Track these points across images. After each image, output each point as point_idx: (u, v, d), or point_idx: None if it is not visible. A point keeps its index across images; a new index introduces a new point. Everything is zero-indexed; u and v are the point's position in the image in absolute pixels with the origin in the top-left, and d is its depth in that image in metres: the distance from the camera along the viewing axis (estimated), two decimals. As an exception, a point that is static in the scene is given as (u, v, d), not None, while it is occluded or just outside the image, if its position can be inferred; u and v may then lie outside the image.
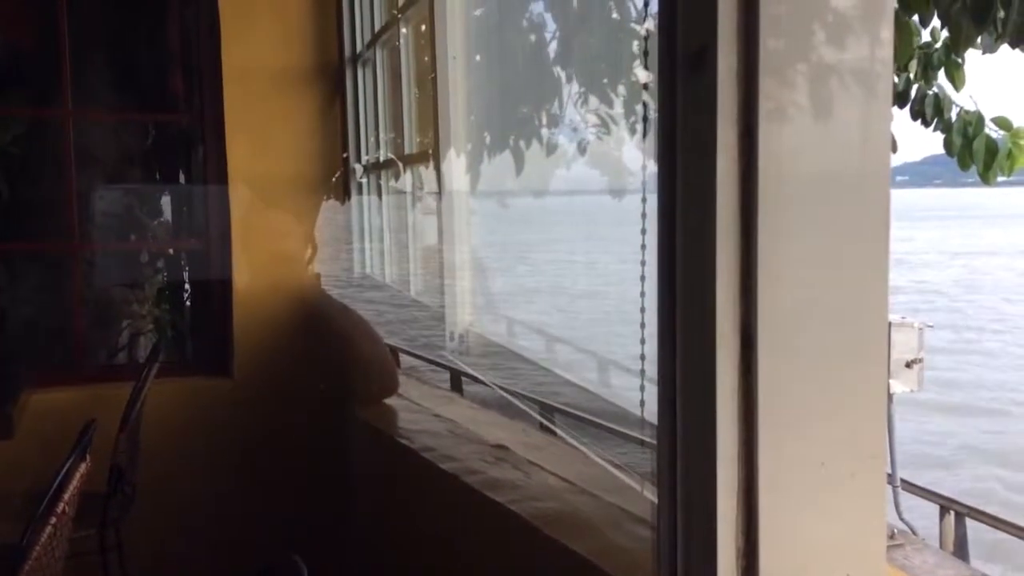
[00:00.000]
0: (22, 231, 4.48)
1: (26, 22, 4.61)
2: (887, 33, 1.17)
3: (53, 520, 1.81)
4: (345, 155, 3.69)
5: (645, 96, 3.23)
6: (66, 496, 1.86)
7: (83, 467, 1.93)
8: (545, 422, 2.97)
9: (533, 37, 3.32)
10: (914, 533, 4.14)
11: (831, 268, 1.10)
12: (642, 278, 1.11)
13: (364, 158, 3.70)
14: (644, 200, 1.10)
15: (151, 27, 4.47)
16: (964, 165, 3.58)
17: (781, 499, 1.08)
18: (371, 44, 3.55)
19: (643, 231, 1.11)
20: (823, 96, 1.11)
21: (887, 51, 1.17)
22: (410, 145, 3.25)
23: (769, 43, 1.07)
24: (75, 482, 1.90)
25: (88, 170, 4.11)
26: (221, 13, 3.47)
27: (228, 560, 3.49)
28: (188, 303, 4.50)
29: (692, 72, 1.08)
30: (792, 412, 1.08)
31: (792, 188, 1.07)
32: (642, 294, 1.11)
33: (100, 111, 4.24)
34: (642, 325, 1.11)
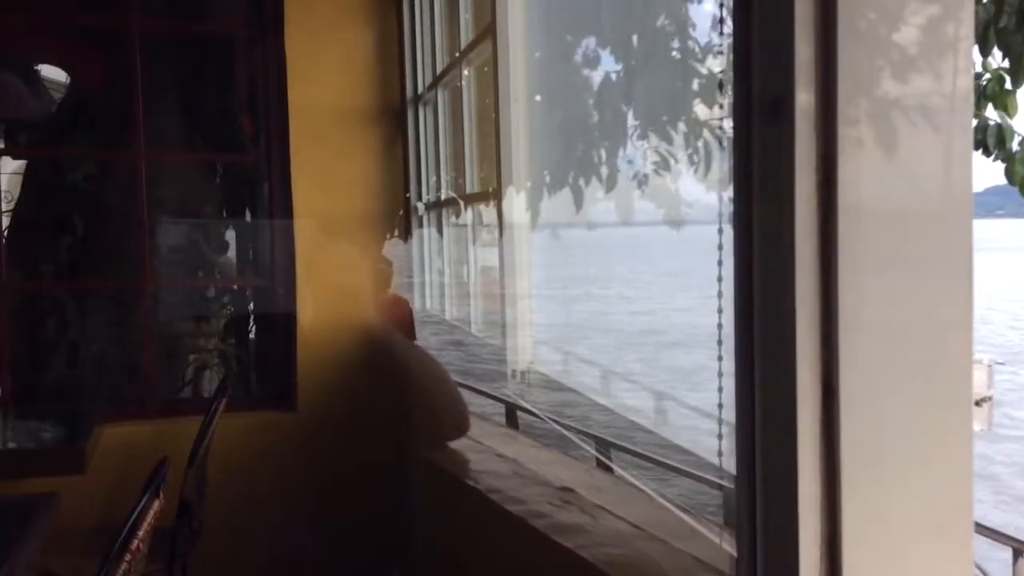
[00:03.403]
0: (94, 267, 4.61)
1: (97, 66, 4.79)
2: (965, 65, 1.16)
3: (128, 557, 1.85)
4: (407, 194, 3.75)
5: (706, 133, 3.23)
6: (140, 533, 1.89)
7: (156, 504, 1.97)
8: (605, 460, 2.95)
9: (592, 77, 3.35)
10: (989, 579, 3.99)
11: (914, 314, 1.08)
12: (719, 326, 1.10)
13: (425, 196, 3.75)
14: (720, 247, 1.09)
15: (220, 70, 4.60)
16: (1027, 194, 3.53)
17: (865, 553, 1.05)
18: (433, 85, 3.61)
19: (719, 279, 1.10)
20: (904, 138, 1.10)
21: (967, 84, 1.16)
22: (471, 184, 3.28)
23: (847, 90, 1.06)
24: (149, 519, 1.94)
25: (157, 208, 4.23)
26: (288, 56, 3.57)
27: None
28: (253, 337, 4.58)
29: (768, 121, 1.08)
30: (876, 463, 1.06)
31: (873, 234, 1.06)
32: (719, 342, 1.11)
33: (171, 152, 4.36)
34: (719, 374, 1.10)
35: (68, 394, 4.23)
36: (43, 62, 6.00)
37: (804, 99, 1.05)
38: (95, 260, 4.59)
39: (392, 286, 3.72)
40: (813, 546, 1.04)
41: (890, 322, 1.05)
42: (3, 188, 4.10)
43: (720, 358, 1.11)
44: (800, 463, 1.04)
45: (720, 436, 1.12)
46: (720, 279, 1.09)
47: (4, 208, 4.17)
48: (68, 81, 5.67)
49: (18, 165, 5.51)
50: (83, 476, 2.86)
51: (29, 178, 5.06)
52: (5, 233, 4.20)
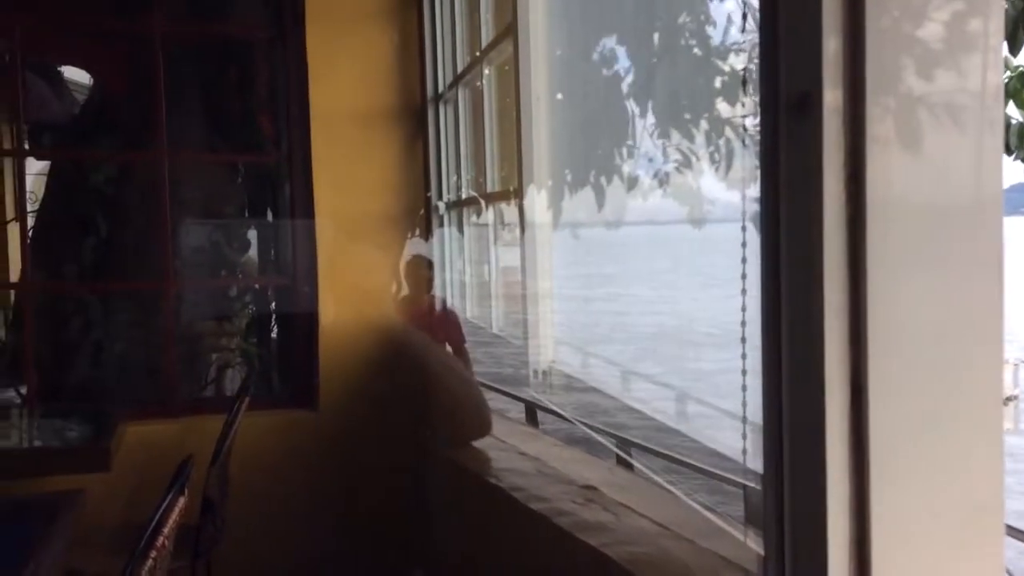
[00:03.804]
0: (117, 268, 4.65)
1: (119, 68, 4.83)
2: (995, 61, 1.15)
3: (153, 554, 1.86)
4: (428, 193, 3.75)
5: (728, 131, 3.21)
6: (165, 530, 1.90)
7: (181, 502, 1.98)
8: (627, 458, 2.94)
9: (612, 75, 3.34)
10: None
11: (943, 311, 1.07)
12: (743, 323, 1.09)
13: (446, 196, 3.76)
14: (744, 245, 1.08)
15: (241, 71, 4.62)
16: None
17: (895, 552, 1.04)
18: (453, 84, 3.61)
19: (743, 276, 1.09)
20: (932, 134, 1.09)
21: (996, 80, 1.15)
22: (492, 183, 3.28)
23: (875, 86, 1.05)
24: (174, 517, 1.95)
25: (179, 209, 4.26)
26: (309, 57, 3.58)
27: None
28: (275, 337, 4.60)
29: (796, 117, 1.07)
30: (905, 462, 1.05)
31: (902, 230, 1.05)
32: (743, 339, 1.10)
33: (193, 153, 4.39)
34: (743, 372, 1.09)
35: (92, 393, 4.27)
36: (66, 64, 6.06)
37: (831, 95, 1.04)
38: (118, 261, 4.63)
39: (433, 289, 3.71)
40: (842, 545, 1.03)
41: (920, 320, 1.05)
42: (27, 189, 4.14)
43: (744, 356, 1.10)
44: (829, 462, 1.03)
45: (745, 435, 1.11)
46: (744, 276, 1.09)
47: (28, 209, 4.20)
48: (91, 83, 5.72)
49: (42, 166, 5.57)
50: (107, 474, 2.89)
51: (53, 180, 5.11)
52: (30, 234, 4.24)
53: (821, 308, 1.02)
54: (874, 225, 1.04)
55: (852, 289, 1.04)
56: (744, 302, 1.09)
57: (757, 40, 1.36)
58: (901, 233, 1.04)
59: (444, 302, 3.60)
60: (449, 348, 3.36)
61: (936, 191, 1.09)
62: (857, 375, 1.04)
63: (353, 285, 3.67)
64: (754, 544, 1.40)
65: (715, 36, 3.01)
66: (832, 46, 1.05)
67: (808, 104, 1.05)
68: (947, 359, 1.07)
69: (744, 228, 1.09)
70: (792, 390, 1.06)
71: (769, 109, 1.10)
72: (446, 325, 3.48)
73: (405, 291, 3.70)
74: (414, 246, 3.75)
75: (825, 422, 1.03)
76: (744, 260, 1.08)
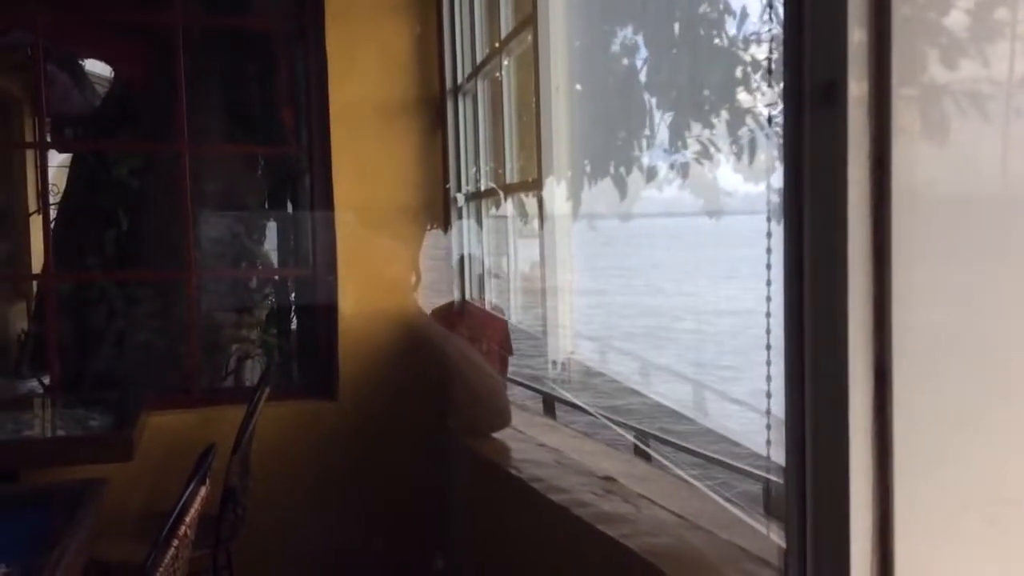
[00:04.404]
0: (139, 259, 4.69)
1: (141, 62, 4.86)
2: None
3: (175, 543, 1.88)
4: (447, 185, 3.75)
5: (749, 121, 3.19)
6: (188, 519, 1.92)
7: (203, 491, 1.99)
8: (644, 448, 2.93)
9: (631, 65, 3.33)
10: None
11: (971, 300, 1.06)
12: (767, 315, 1.09)
13: (465, 187, 3.76)
14: (770, 235, 1.08)
15: (261, 64, 4.64)
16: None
17: (918, 545, 1.04)
18: (472, 76, 3.61)
19: (768, 266, 1.09)
20: (958, 122, 1.08)
21: (1024, 68, 1.13)
22: (511, 174, 3.28)
23: (901, 74, 1.04)
24: (196, 505, 1.97)
25: (200, 201, 4.28)
26: (329, 49, 3.59)
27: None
28: (294, 327, 4.63)
29: (820, 105, 1.06)
30: (929, 453, 1.04)
31: (927, 218, 1.04)
32: (768, 331, 1.09)
33: (214, 146, 4.41)
34: (768, 362, 1.09)
35: (115, 383, 4.31)
36: (88, 57, 6.10)
37: (857, 83, 1.03)
38: (140, 252, 4.67)
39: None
40: (865, 537, 1.03)
41: (946, 308, 1.04)
42: (50, 182, 4.17)
43: (768, 347, 1.10)
44: (852, 453, 1.02)
45: (769, 426, 1.11)
46: (769, 267, 1.08)
47: (51, 202, 4.24)
48: (112, 76, 5.76)
49: (63, 159, 5.62)
50: (129, 463, 2.91)
51: (75, 172, 5.16)
52: (52, 226, 4.28)
53: (845, 296, 1.02)
54: (900, 213, 1.03)
55: (876, 278, 1.03)
56: (769, 292, 1.08)
57: (779, 30, 1.35)
58: (927, 221, 1.03)
59: (492, 313, 3.45)
60: (473, 349, 3.24)
61: (962, 179, 1.08)
62: (881, 365, 1.03)
63: (372, 276, 3.68)
64: (776, 536, 1.39)
65: (735, 26, 2.99)
66: (858, 34, 1.04)
67: (833, 92, 1.04)
68: (974, 348, 1.06)
69: (769, 219, 1.08)
70: (815, 381, 1.06)
71: (793, 98, 1.09)
72: (493, 336, 3.31)
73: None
74: (433, 238, 3.75)
75: (848, 413, 1.02)
76: (769, 250, 1.08)
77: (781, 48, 1.28)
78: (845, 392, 1.02)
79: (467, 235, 3.77)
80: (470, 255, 3.76)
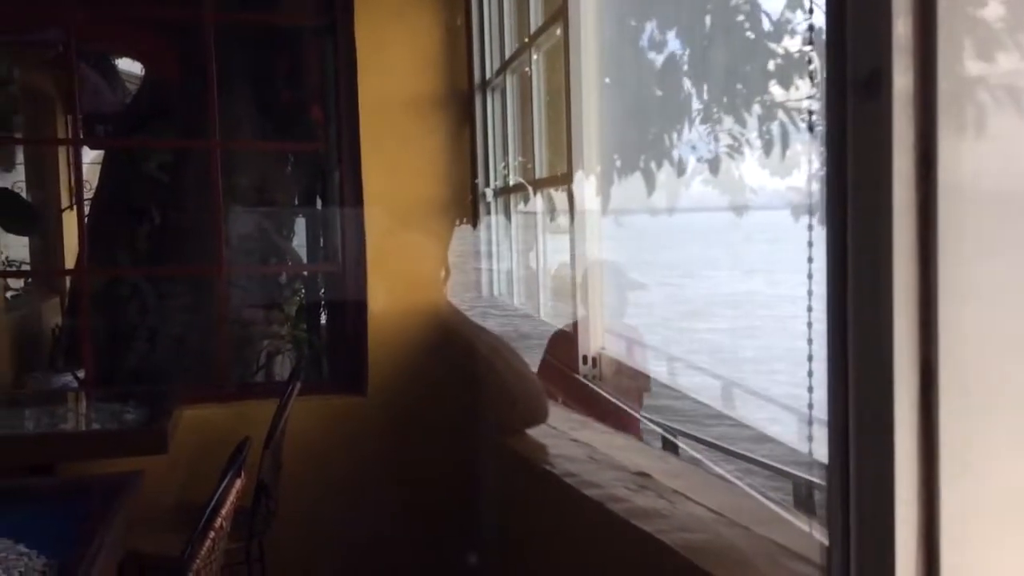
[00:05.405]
0: (170, 255, 4.74)
1: (171, 59, 4.91)
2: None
3: (212, 534, 1.89)
4: (475, 180, 3.76)
5: (781, 115, 3.16)
6: (224, 511, 1.94)
7: (238, 484, 2.01)
8: (673, 441, 2.91)
9: (662, 58, 3.30)
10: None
11: (1020, 296, 1.04)
12: (809, 309, 1.07)
13: (493, 182, 3.76)
14: (811, 228, 1.06)
15: (291, 59, 4.67)
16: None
17: (965, 544, 1.02)
18: (501, 70, 3.60)
19: (810, 259, 1.07)
20: (1010, 115, 1.06)
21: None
22: (540, 169, 3.27)
23: (948, 65, 1.02)
24: (231, 498, 1.98)
25: (231, 197, 4.32)
26: (358, 45, 3.60)
27: (361, 572, 3.59)
28: (324, 323, 4.66)
29: (864, 96, 1.05)
30: (977, 452, 1.02)
31: (976, 213, 1.02)
32: (809, 324, 1.08)
33: (245, 142, 4.44)
34: (809, 357, 1.07)
35: (148, 377, 4.36)
36: (119, 55, 6.16)
37: (902, 74, 1.02)
38: (171, 247, 4.72)
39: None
40: (910, 536, 1.01)
41: (994, 305, 1.02)
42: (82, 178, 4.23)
43: (811, 341, 1.08)
44: (897, 454, 1.01)
45: (811, 422, 1.10)
46: (811, 260, 1.07)
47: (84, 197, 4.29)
48: (143, 73, 5.82)
49: (95, 156, 5.69)
50: (163, 456, 2.95)
51: (106, 168, 5.22)
52: (86, 222, 4.33)
53: (890, 292, 1.00)
54: (946, 208, 1.01)
55: (922, 274, 1.01)
56: (811, 287, 1.07)
57: (814, 20, 1.33)
58: (976, 215, 1.01)
59: (567, 332, 3.04)
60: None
61: (1009, 173, 1.06)
62: (927, 362, 1.01)
63: (401, 272, 3.69)
64: (812, 530, 1.38)
65: (768, 18, 2.96)
66: (902, 23, 1.03)
67: (877, 83, 1.02)
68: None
69: (811, 213, 1.07)
70: (859, 378, 1.04)
71: (835, 90, 1.08)
72: (566, 355, 2.94)
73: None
74: (461, 232, 3.75)
75: (894, 410, 1.00)
76: (811, 243, 1.06)
77: (817, 39, 1.27)
78: (890, 389, 1.00)
79: (495, 230, 3.77)
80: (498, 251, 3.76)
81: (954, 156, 1.02)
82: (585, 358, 2.73)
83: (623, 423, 2.63)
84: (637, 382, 2.86)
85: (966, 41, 1.06)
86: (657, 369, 3.34)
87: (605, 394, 2.65)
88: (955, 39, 1.04)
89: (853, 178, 1.06)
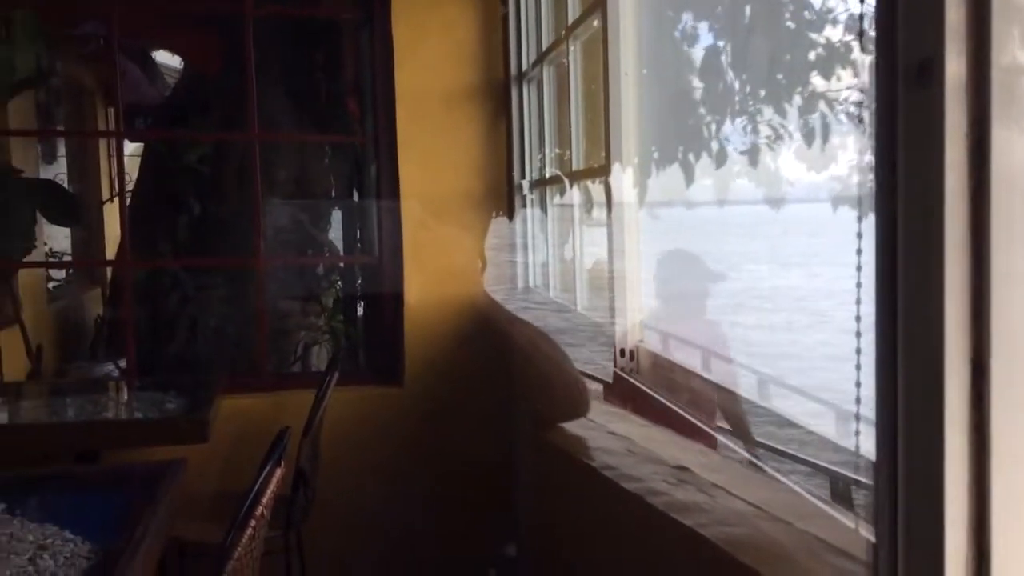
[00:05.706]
0: (210, 246, 4.79)
1: (211, 53, 4.96)
2: None
3: (252, 523, 1.91)
4: (511, 172, 3.75)
5: (822, 105, 3.11)
6: (264, 500, 1.96)
7: (279, 472, 2.03)
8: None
9: (701, 49, 3.27)
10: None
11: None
12: (858, 301, 1.06)
13: (529, 175, 3.75)
14: (860, 219, 1.05)
15: (328, 52, 4.69)
16: None
17: (1016, 540, 1.00)
18: (538, 62, 3.59)
19: (859, 251, 1.06)
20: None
21: None
22: (577, 160, 3.26)
23: (1001, 50, 1.00)
24: (272, 487, 2.00)
25: (270, 189, 4.36)
26: (395, 37, 3.61)
27: (398, 562, 3.62)
28: (361, 314, 4.69)
29: (916, 84, 1.03)
30: (1030, 447, 1.00)
31: (1030, 205, 1.00)
32: (858, 318, 1.06)
33: (284, 134, 4.47)
34: (857, 351, 1.06)
35: (188, 366, 4.42)
36: (159, 48, 6.23)
37: (954, 62, 0.99)
38: (211, 239, 4.77)
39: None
40: (960, 532, 0.99)
41: (1048, 298, 0.99)
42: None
43: (859, 334, 1.07)
44: (947, 448, 0.99)
45: (858, 417, 1.08)
46: (860, 252, 1.05)
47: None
48: (182, 66, 5.89)
49: (134, 148, 5.77)
50: (204, 444, 2.99)
51: (146, 161, 5.29)
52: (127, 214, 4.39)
53: (941, 284, 0.98)
54: (999, 198, 0.99)
55: (974, 266, 0.99)
56: (859, 279, 1.05)
57: (859, 8, 1.30)
58: (1029, 207, 0.99)
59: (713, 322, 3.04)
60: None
61: (1065, 163, 1.03)
62: (979, 355, 0.99)
63: (438, 263, 3.70)
64: (856, 526, 1.36)
65: (810, 8, 2.92)
66: (954, 10, 1.01)
67: (929, 71, 1.00)
68: (1076, 340, 1.01)
69: (860, 204, 1.05)
70: (908, 372, 1.03)
71: (885, 79, 1.06)
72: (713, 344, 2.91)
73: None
74: (497, 224, 3.75)
75: (944, 404, 0.99)
76: (860, 235, 1.05)
77: (864, 28, 1.24)
78: (941, 383, 0.99)
79: (531, 222, 3.77)
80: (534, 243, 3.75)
81: (1007, 145, 1.00)
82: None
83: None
84: (706, 392, 2.75)
85: (1018, 28, 1.04)
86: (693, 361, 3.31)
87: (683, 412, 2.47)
88: (1008, 26, 1.02)
89: (903, 168, 1.05)
